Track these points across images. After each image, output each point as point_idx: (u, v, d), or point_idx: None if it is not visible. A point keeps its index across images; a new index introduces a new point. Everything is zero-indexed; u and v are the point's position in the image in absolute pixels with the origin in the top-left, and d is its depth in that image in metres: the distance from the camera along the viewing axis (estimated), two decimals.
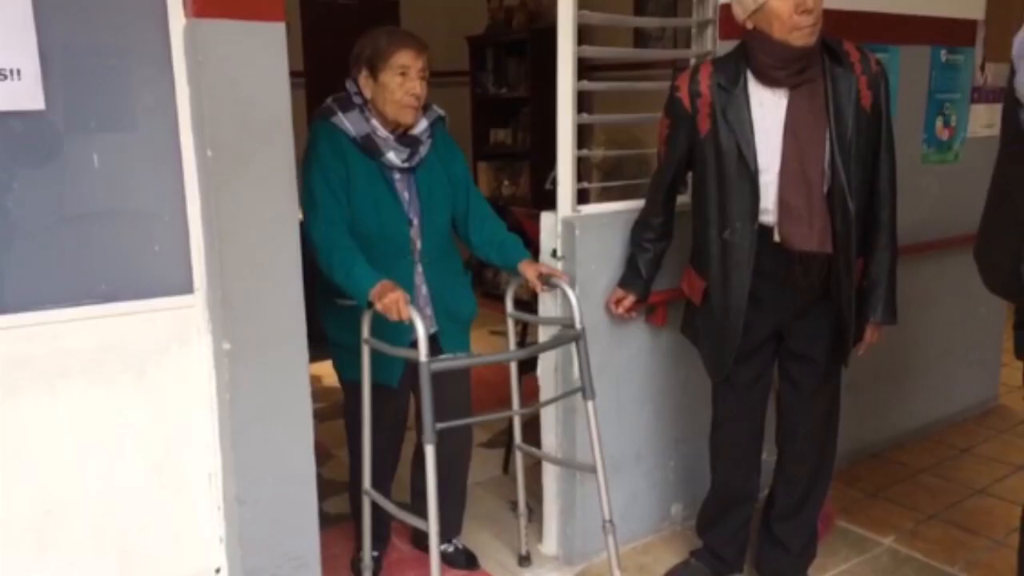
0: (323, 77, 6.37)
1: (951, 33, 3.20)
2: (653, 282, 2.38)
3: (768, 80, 2.04)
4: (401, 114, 2.16)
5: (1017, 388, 4.08)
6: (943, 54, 3.19)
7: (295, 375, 1.94)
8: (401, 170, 2.23)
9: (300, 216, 2.02)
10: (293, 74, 1.97)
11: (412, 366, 2.23)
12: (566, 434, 2.55)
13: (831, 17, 2.78)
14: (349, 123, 2.17)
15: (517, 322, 3.09)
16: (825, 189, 2.04)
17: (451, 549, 2.61)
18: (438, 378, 1.94)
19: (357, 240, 2.14)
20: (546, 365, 2.57)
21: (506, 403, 3.11)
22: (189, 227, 1.81)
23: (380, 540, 2.56)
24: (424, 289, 2.28)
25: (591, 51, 2.34)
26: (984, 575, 2.54)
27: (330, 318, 2.30)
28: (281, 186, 1.84)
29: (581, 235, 2.40)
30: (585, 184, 2.44)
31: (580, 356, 2.18)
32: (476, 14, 5.76)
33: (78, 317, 1.73)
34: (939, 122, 3.26)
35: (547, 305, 2.50)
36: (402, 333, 2.13)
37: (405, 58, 2.13)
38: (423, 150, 2.24)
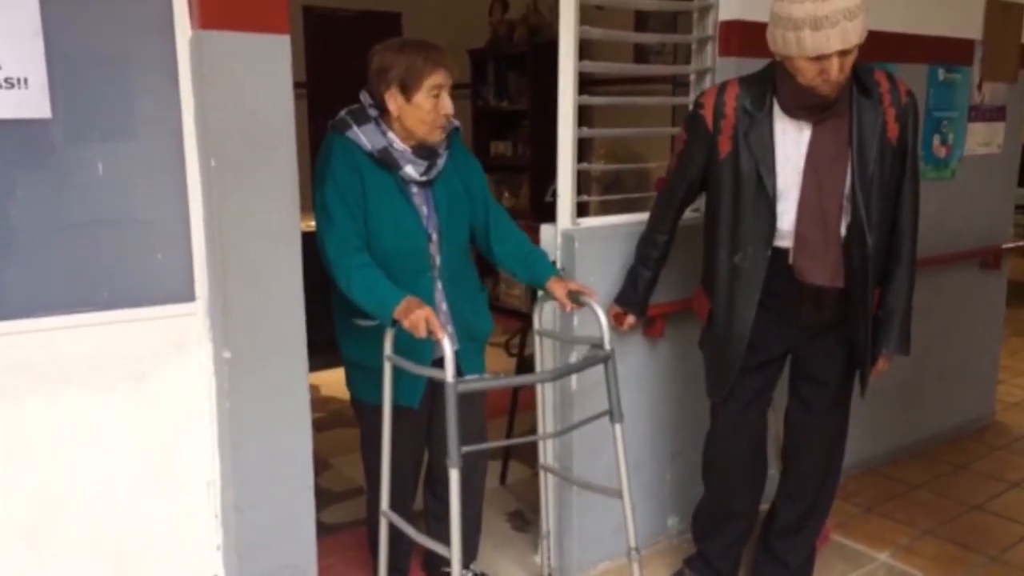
0: (325, 88, 6.42)
1: (949, 52, 3.23)
2: (649, 300, 2.40)
3: (792, 113, 2.03)
4: (432, 134, 2.09)
5: (1014, 405, 4.10)
6: (941, 72, 3.22)
7: (295, 385, 1.95)
8: (418, 184, 2.14)
9: (306, 228, 2.00)
10: (294, 85, 1.99)
11: (430, 387, 2.20)
12: (563, 447, 2.55)
13: None
14: (365, 137, 2.07)
15: (516, 335, 3.11)
16: (844, 223, 2.04)
17: (468, 574, 2.53)
18: (458, 400, 1.83)
19: (375, 257, 2.06)
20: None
21: (499, 413, 3.14)
22: (192, 236, 1.83)
23: (399, 572, 2.45)
24: (444, 306, 2.20)
25: (592, 66, 2.36)
26: None
27: (348, 338, 2.22)
28: (284, 197, 1.86)
29: (581, 248, 2.41)
30: (585, 197, 2.45)
31: (608, 378, 2.11)
32: (478, 27, 5.80)
33: (79, 324, 1.74)
34: (936, 140, 3.28)
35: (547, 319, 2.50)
36: (423, 353, 2.05)
37: (440, 78, 2.05)
38: (440, 162, 2.16)
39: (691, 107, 2.17)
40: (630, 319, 2.38)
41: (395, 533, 2.22)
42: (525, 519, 2.99)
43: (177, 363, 1.88)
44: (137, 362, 1.84)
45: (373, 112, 2.10)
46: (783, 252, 2.09)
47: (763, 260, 2.09)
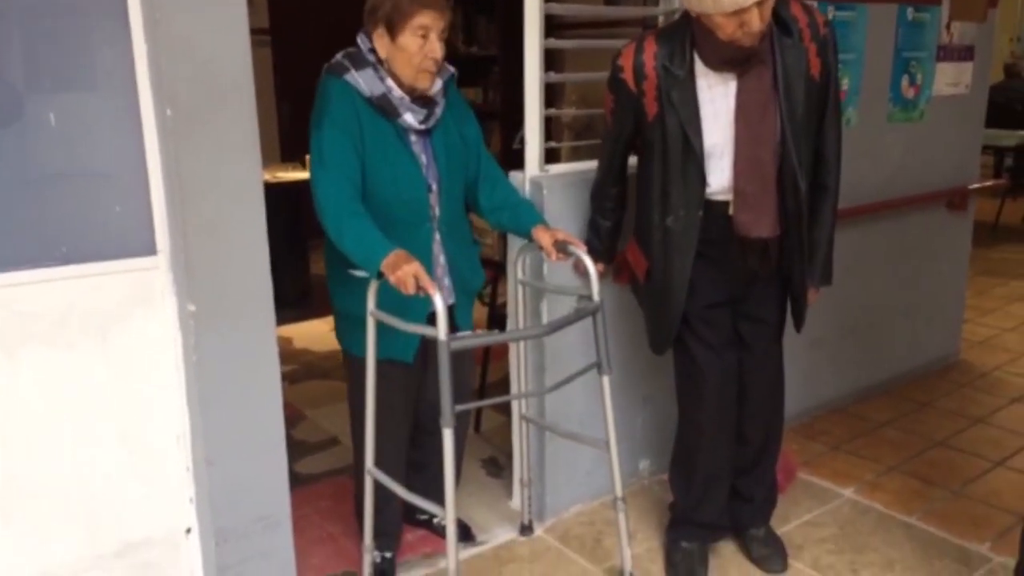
0: (290, 34, 6.26)
1: None
2: (616, 246, 2.39)
3: (716, 67, 2.00)
4: (418, 79, 2.01)
5: (978, 343, 4.18)
6: (910, 12, 3.20)
7: (262, 337, 1.93)
8: (417, 132, 2.08)
9: (272, 179, 1.94)
10: (258, 31, 1.94)
11: (426, 341, 2.12)
12: (537, 397, 2.56)
13: None
14: (363, 82, 2.00)
15: (488, 284, 3.09)
16: (776, 168, 2.04)
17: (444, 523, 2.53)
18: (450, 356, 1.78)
19: (373, 207, 2.00)
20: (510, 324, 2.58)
21: (476, 362, 3.13)
22: (151, 188, 1.79)
23: (391, 538, 2.40)
24: (442, 259, 2.15)
25: (559, 8, 2.32)
26: (940, 524, 2.61)
27: (339, 288, 2.17)
28: (243, 147, 1.82)
29: (549, 194, 2.40)
30: (553, 144, 2.43)
31: (597, 330, 2.09)
32: None
33: (37, 280, 1.71)
34: (905, 80, 3.28)
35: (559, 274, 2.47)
36: (416, 307, 1.99)
37: (427, 18, 1.95)
38: (438, 111, 2.09)
39: (611, 68, 2.11)
40: (599, 266, 2.38)
41: (383, 497, 2.18)
42: (499, 465, 3.02)
43: (142, 318, 1.85)
44: (100, 318, 1.81)
45: (372, 57, 2.03)
46: (722, 205, 2.09)
47: (695, 221, 2.08)
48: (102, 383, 1.84)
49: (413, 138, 2.08)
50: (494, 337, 2.16)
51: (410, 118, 2.03)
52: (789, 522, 2.64)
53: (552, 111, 2.39)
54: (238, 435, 1.95)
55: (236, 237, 1.85)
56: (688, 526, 2.43)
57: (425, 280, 1.80)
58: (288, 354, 4.18)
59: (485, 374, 3.18)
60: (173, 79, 1.70)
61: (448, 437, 1.84)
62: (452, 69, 2.16)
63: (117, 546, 1.93)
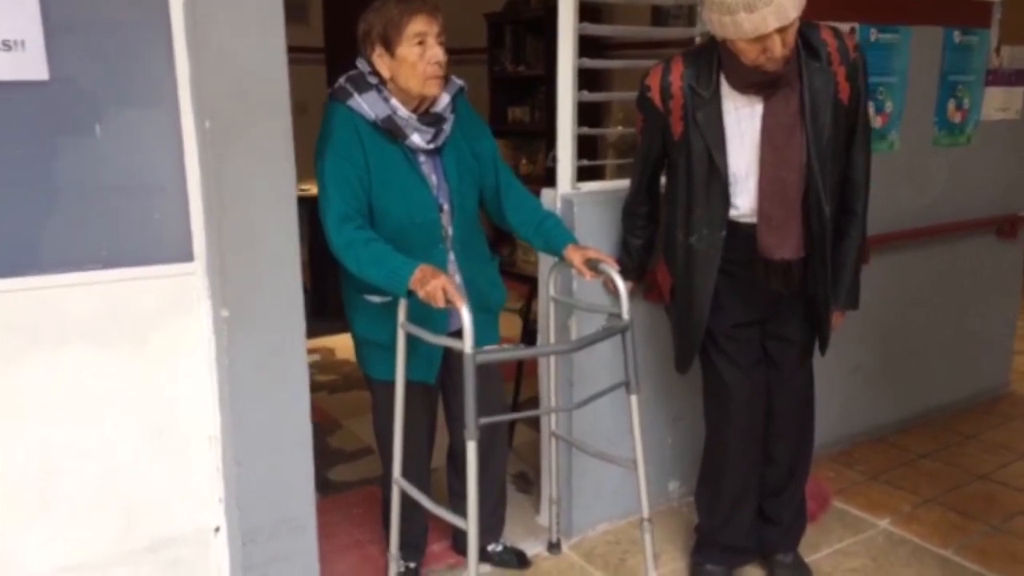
0: (344, 53, 6.42)
1: (965, 14, 3.17)
2: (647, 264, 2.40)
3: (742, 90, 2.00)
4: (427, 86, 1.99)
5: None
6: (956, 35, 3.16)
7: (292, 342, 1.98)
8: (426, 152, 2.07)
9: (312, 192, 1.97)
10: (314, 50, 1.99)
11: (450, 363, 2.16)
12: (564, 414, 2.57)
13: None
14: (367, 105, 1.99)
15: (523, 298, 3.12)
16: (802, 192, 2.04)
17: (499, 548, 2.52)
18: (477, 371, 1.78)
19: (385, 231, 2.00)
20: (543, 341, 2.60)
21: (505, 378, 3.16)
22: (189, 196, 1.85)
23: (415, 549, 2.42)
24: (458, 278, 2.14)
25: (592, 29, 2.35)
26: (977, 559, 2.54)
27: (356, 314, 2.18)
28: (279, 158, 1.87)
29: (580, 212, 2.42)
30: (585, 162, 2.45)
31: (626, 348, 2.09)
32: None
33: (80, 282, 1.78)
34: (951, 104, 3.23)
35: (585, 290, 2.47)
36: (437, 324, 2.02)
37: (420, 24, 1.95)
38: (447, 127, 2.07)
39: (639, 87, 2.14)
40: (629, 284, 2.38)
41: (409, 508, 2.20)
42: (528, 480, 3.03)
43: (178, 322, 1.92)
44: (138, 320, 1.88)
45: (373, 79, 2.02)
46: (747, 227, 2.09)
47: (718, 241, 2.09)
48: (138, 383, 1.91)
49: (422, 158, 2.07)
50: (519, 352, 2.18)
51: (417, 139, 2.02)
52: (820, 550, 2.59)
53: (584, 129, 2.41)
54: (266, 438, 2.00)
55: (269, 246, 1.90)
56: (713, 548, 2.41)
57: (453, 292, 1.81)
58: (330, 365, 4.26)
59: (518, 391, 3.20)
60: (213, 93, 1.77)
61: (472, 449, 1.86)
62: (460, 83, 2.15)
63: (148, 542, 1.99)
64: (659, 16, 4.76)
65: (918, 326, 3.39)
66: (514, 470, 3.12)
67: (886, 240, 3.10)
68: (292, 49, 1.88)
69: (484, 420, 1.85)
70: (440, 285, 1.81)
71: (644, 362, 2.65)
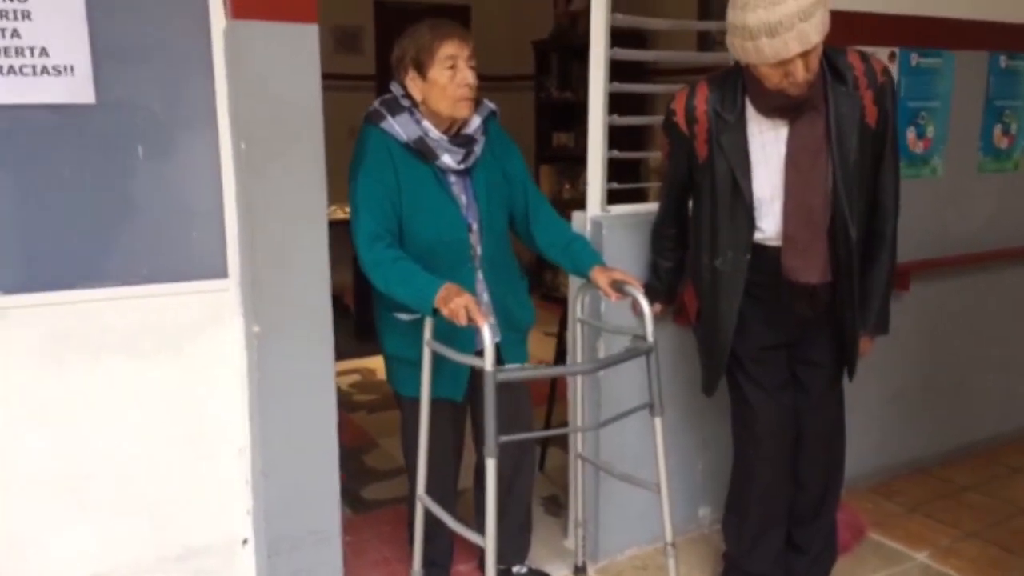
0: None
1: (1012, 38, 3.11)
2: (677, 287, 2.40)
3: (767, 114, 2.01)
4: (457, 109, 2.05)
5: None
6: (1002, 60, 3.11)
7: (320, 358, 2.04)
8: (456, 172, 2.12)
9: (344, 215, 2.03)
10: (365, 78, 2.07)
11: (476, 381, 2.17)
12: (591, 436, 2.57)
13: (880, 23, 2.77)
14: (400, 127, 2.05)
15: (560, 321, 3.14)
16: (828, 216, 2.03)
17: (524, 570, 2.51)
18: (502, 390, 1.83)
19: (415, 250, 2.05)
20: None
21: (538, 401, 3.17)
22: (225, 216, 1.94)
23: (440, 568, 2.44)
24: (486, 297, 2.18)
25: (623, 54, 2.38)
26: None
27: (386, 331, 2.22)
28: (311, 180, 1.95)
29: (609, 234, 2.44)
30: (614, 184, 2.47)
31: (650, 371, 2.09)
32: (544, 19, 5.84)
33: (120, 296, 1.87)
34: (998, 130, 3.17)
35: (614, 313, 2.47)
36: (464, 342, 2.04)
37: (451, 48, 2.01)
38: (477, 149, 2.13)
39: (665, 112, 2.16)
40: (656, 307, 2.39)
41: (434, 526, 2.22)
42: (559, 503, 3.03)
43: (211, 336, 1.99)
44: (174, 334, 1.96)
45: (406, 102, 2.08)
46: (773, 250, 2.09)
47: (743, 264, 2.09)
48: (173, 394, 1.98)
49: (452, 179, 2.12)
50: (539, 371, 2.19)
51: (448, 159, 2.07)
52: None
53: (614, 153, 2.43)
54: (294, 450, 2.05)
55: (300, 264, 1.97)
56: (739, 575, 2.38)
57: (475, 311, 1.85)
58: (370, 385, 4.32)
59: (550, 414, 3.22)
60: (248, 115, 1.85)
61: (491, 467, 1.88)
62: (492, 106, 2.20)
63: (179, 551, 2.06)
64: (705, 42, 4.77)
65: (962, 355, 3.31)
66: (545, 493, 3.12)
67: (928, 266, 3.05)
68: (345, 77, 1.96)
69: (504, 438, 1.87)
70: (463, 303, 1.84)
71: (673, 385, 2.65)
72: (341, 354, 4.55)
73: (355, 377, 4.34)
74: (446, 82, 2.02)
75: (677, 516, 2.75)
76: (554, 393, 3.21)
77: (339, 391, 4.20)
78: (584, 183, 2.46)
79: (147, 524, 2.01)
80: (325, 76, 1.93)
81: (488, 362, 1.83)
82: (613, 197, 2.50)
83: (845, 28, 2.69)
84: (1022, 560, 2.66)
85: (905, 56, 2.89)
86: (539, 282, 5.55)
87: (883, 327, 2.19)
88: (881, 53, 2.82)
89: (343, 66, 5.70)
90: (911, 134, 2.97)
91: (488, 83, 7.34)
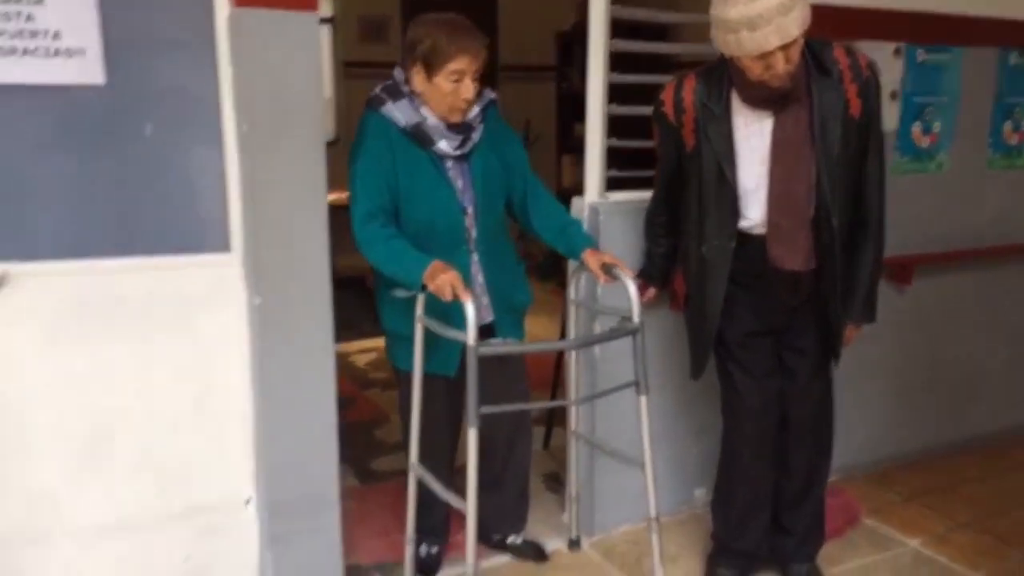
0: None
1: (1021, 35, 3.11)
2: (670, 273, 2.46)
3: (752, 105, 2.06)
4: (450, 115, 2.13)
5: None
6: (1012, 57, 3.10)
7: (319, 329, 2.14)
8: (453, 158, 2.18)
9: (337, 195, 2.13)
10: (391, 66, 2.15)
11: (464, 356, 2.23)
12: (588, 414, 2.66)
13: (885, 18, 2.80)
14: (399, 112, 2.12)
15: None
16: (812, 205, 2.08)
17: (519, 542, 2.61)
18: (494, 365, 1.89)
19: (411, 232, 2.13)
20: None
21: (546, 386, 3.25)
22: (228, 192, 2.04)
23: (436, 535, 2.54)
24: (480, 278, 2.26)
25: (622, 44, 2.44)
26: None
27: (385, 308, 2.31)
28: (310, 160, 2.05)
29: (605, 220, 2.50)
30: (614, 172, 2.54)
31: (636, 351, 2.16)
32: (567, 11, 5.89)
33: (129, 267, 1.98)
34: (1008, 126, 3.17)
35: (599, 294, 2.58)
36: (456, 320, 2.07)
37: (462, 63, 2.06)
38: (475, 136, 2.19)
39: (654, 103, 2.22)
40: (651, 291, 2.46)
41: (430, 496, 2.29)
42: (559, 481, 3.11)
43: (216, 307, 2.10)
44: (182, 304, 2.07)
45: (406, 88, 2.15)
46: (759, 238, 2.14)
47: (728, 251, 2.15)
48: (181, 361, 2.09)
49: (449, 164, 2.19)
50: (521, 347, 2.29)
51: (444, 145, 2.14)
52: (841, 564, 2.59)
53: (612, 141, 2.50)
54: (293, 417, 2.16)
55: (299, 239, 2.07)
56: (727, 554, 2.44)
57: (460, 288, 1.93)
58: (385, 363, 4.40)
59: (555, 397, 3.30)
60: (250, 98, 1.95)
61: (472, 436, 1.97)
62: (492, 95, 2.26)
63: (184, 508, 2.17)
64: None
65: (968, 349, 3.32)
66: (548, 470, 3.21)
67: (932, 260, 3.07)
68: (372, 65, 2.06)
69: (485, 409, 1.96)
70: (448, 280, 1.94)
71: (669, 370, 2.71)
72: (361, 333, 4.66)
73: (372, 355, 4.46)
74: (448, 91, 2.09)
75: (672, 496, 2.83)
76: (558, 377, 3.28)
77: (355, 368, 4.35)
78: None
79: (156, 482, 2.13)
80: (351, 64, 2.04)
81: (471, 337, 1.92)
82: (618, 184, 2.57)
83: (849, 23, 2.73)
84: (1016, 550, 2.68)
85: (911, 52, 2.91)
86: (556, 270, 5.63)
87: (869, 315, 2.24)
88: (886, 48, 2.85)
89: (369, 54, 5.81)
90: (917, 129, 2.99)
91: (512, 73, 7.45)
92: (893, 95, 2.90)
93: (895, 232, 2.97)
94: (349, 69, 5.83)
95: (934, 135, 3.03)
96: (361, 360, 4.42)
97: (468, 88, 2.09)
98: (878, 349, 3.05)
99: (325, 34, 6.62)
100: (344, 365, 4.33)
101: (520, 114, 6.73)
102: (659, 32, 4.62)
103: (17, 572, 2.04)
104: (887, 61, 2.86)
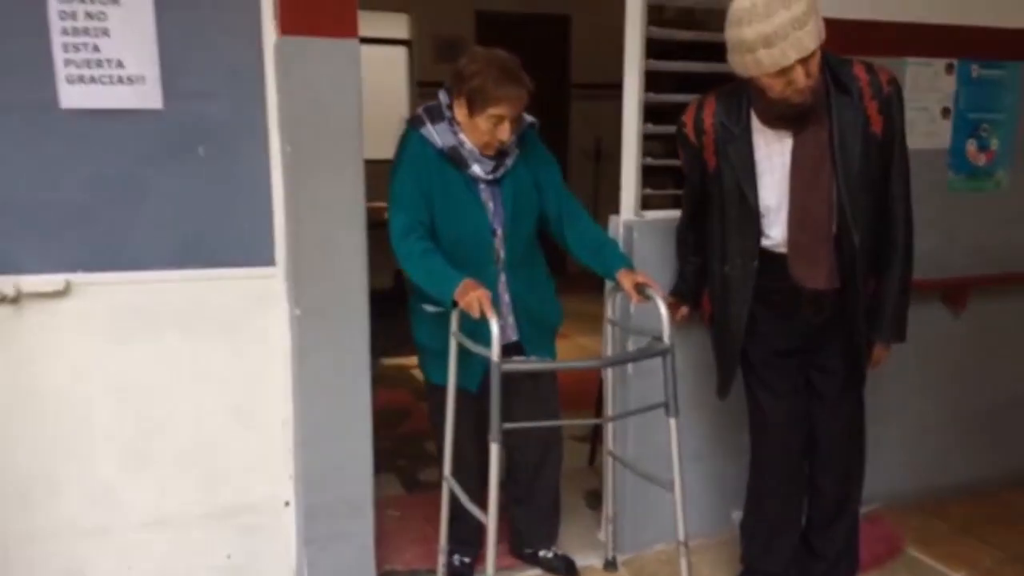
0: None
1: None
2: (702, 291, 2.47)
3: (772, 124, 2.07)
4: (485, 150, 2.21)
5: None
6: None
7: (356, 341, 2.24)
8: (487, 181, 2.25)
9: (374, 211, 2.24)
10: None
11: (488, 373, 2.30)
12: (620, 434, 2.68)
13: (940, 33, 2.75)
14: (437, 135, 2.20)
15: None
16: (834, 224, 2.07)
17: (550, 555, 2.64)
18: (524, 384, 1.91)
19: (442, 248, 2.18)
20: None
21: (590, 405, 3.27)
22: (273, 210, 2.17)
23: (469, 545, 2.58)
24: (506, 297, 2.31)
25: (654, 64, 2.48)
26: None
27: (417, 322, 2.38)
28: (350, 181, 2.16)
29: (640, 238, 2.53)
30: (649, 191, 2.57)
31: (666, 372, 2.15)
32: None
33: (180, 279, 2.13)
34: None
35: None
36: (481, 337, 2.10)
37: (504, 109, 2.13)
38: (508, 162, 2.26)
39: (676, 124, 2.25)
40: (683, 310, 2.47)
41: (461, 506, 2.31)
42: (599, 498, 3.13)
43: (260, 318, 2.22)
44: (228, 314, 2.20)
45: (448, 112, 2.22)
46: (781, 257, 2.14)
47: (751, 271, 2.15)
48: (225, 368, 2.23)
49: (482, 186, 2.26)
50: (545, 364, 2.32)
51: (478, 169, 2.22)
52: None
53: (648, 160, 2.53)
54: (330, 424, 2.26)
55: (339, 255, 2.18)
56: (755, 575, 2.43)
57: (487, 305, 1.98)
58: None
59: (599, 414, 3.31)
60: (294, 121, 2.07)
61: (494, 451, 2.01)
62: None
63: (227, 507, 2.30)
64: None
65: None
66: (590, 487, 3.23)
67: (990, 282, 2.99)
68: None
69: (508, 426, 2.00)
70: (476, 297, 1.99)
71: (705, 392, 2.68)
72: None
73: None
74: (485, 131, 2.17)
75: (709, 517, 2.82)
76: (601, 394, 3.30)
77: (416, 382, 4.44)
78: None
79: (200, 482, 2.26)
80: (426, 84, 2.13)
81: (494, 353, 1.96)
82: (656, 203, 2.60)
83: (901, 40, 2.70)
84: None
85: (965, 67, 2.85)
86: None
87: (899, 335, 2.21)
88: (938, 64, 2.81)
89: (444, 74, 5.93)
90: (971, 146, 2.92)
91: (585, 91, 7.50)
92: (945, 112, 2.85)
93: (949, 253, 2.94)
94: (424, 89, 6.02)
95: (991, 152, 2.95)
96: (419, 373, 4.52)
97: (505, 131, 2.16)
98: (930, 375, 2.99)
99: (401, 56, 6.84)
100: (406, 378, 4.45)
101: (591, 131, 6.68)
102: (707, 50, 4.60)
103: (75, 563, 2.20)
104: (939, 77, 2.82)
